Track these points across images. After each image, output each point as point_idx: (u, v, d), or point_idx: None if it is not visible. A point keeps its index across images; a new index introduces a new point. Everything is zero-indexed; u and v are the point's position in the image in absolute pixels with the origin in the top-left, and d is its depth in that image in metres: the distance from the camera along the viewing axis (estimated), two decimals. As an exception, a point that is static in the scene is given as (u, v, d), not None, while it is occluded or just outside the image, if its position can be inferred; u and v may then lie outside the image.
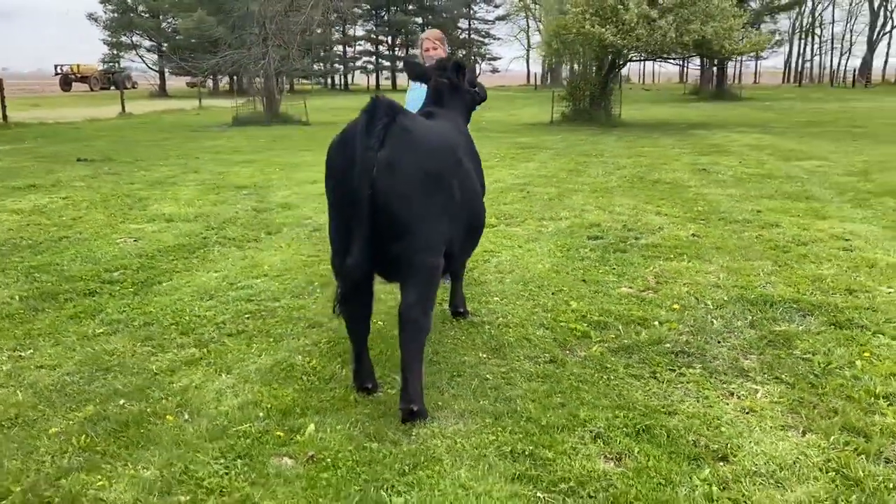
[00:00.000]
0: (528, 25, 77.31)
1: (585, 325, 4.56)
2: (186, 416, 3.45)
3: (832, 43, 78.79)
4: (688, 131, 18.89)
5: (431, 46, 5.22)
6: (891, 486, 2.77)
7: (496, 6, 73.08)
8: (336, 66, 68.77)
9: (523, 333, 4.45)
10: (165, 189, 10.01)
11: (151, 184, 10.51)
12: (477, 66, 74.33)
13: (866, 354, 3.99)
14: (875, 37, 65.62)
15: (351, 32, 68.89)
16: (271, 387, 3.74)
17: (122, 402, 3.61)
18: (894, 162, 11.96)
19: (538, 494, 2.76)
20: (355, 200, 3.15)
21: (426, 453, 3.08)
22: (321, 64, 62.37)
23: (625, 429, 3.24)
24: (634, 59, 22.41)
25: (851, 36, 77.02)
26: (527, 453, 3.06)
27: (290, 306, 5.03)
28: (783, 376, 3.79)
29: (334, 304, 3.48)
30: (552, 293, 5.19)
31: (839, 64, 75.78)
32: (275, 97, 25.33)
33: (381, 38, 69.78)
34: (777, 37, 26.75)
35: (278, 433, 3.25)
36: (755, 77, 78.08)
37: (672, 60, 24.03)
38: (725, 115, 25.70)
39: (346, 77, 71.79)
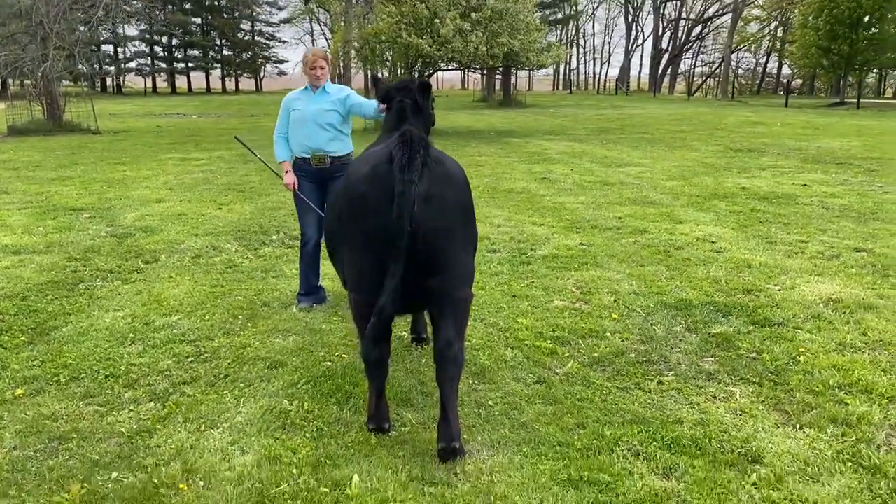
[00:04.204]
0: (312, 29, 76.60)
1: (548, 342, 4.69)
2: (202, 483, 3.10)
3: (593, 53, 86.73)
4: (502, 139, 19.83)
5: (320, 66, 5.17)
6: (898, 469, 3.19)
7: (280, 8, 71.53)
8: (107, 67, 63.38)
9: (496, 355, 4.49)
10: (-17, 214, 8.74)
11: (-40, 208, 9.12)
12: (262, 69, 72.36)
13: (802, 350, 4.52)
14: (630, 48, 73.07)
15: (121, 32, 63.80)
16: (277, 438, 3.46)
17: (112, 475, 3.16)
18: (697, 167, 13.45)
19: (627, 520, 2.84)
20: (394, 236, 3.02)
21: (490, 491, 3.04)
22: (90, 65, 57.25)
23: (655, 444, 3.41)
24: (444, 68, 23.10)
25: (609, 48, 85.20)
26: (584, 479, 3.12)
27: (232, 345, 4.66)
28: (748, 376, 4.18)
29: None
30: (495, 311, 5.28)
31: (601, 72, 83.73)
32: (57, 103, 22.90)
33: (156, 38, 65.40)
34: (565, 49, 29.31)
35: (324, 489, 3.03)
36: (528, 84, 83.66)
37: (477, 70, 25.06)
38: (524, 122, 27.27)
39: (118, 79, 66.47)
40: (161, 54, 67.09)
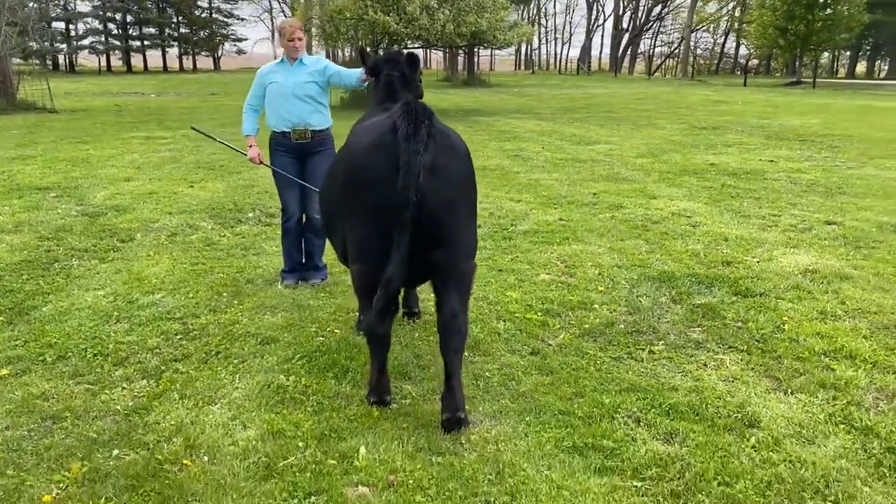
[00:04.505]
0: (271, 6, 75.23)
1: (538, 314, 4.73)
2: (206, 458, 3.07)
3: (554, 33, 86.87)
4: (470, 118, 19.77)
5: (298, 37, 5.10)
6: None
7: (238, -15, 70.13)
8: (59, 44, 61.42)
9: (489, 328, 4.51)
10: (-56, 194, 8.45)
11: (-82, 188, 8.80)
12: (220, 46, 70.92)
13: (786, 318, 4.62)
14: (591, 28, 73.29)
15: (73, 7, 61.95)
16: (278, 413, 3.44)
17: (113, 452, 3.11)
18: (664, 144, 13.60)
19: (635, 484, 2.89)
20: (399, 208, 2.99)
21: (497, 460, 3.06)
22: (43, 42, 55.44)
23: (653, 410, 3.47)
24: (411, 46, 22.88)
25: (570, 27, 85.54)
26: (589, 446, 3.16)
27: (220, 322, 4.60)
28: (736, 345, 4.27)
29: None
30: (483, 285, 5.29)
31: (562, 52, 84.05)
32: (10, 81, 22.18)
33: (110, 14, 63.56)
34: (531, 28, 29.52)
35: (331, 461, 3.02)
36: (491, 64, 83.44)
37: (442, 49, 24.91)
38: (490, 102, 27.23)
39: (70, 58, 64.52)
40: (115, 31, 65.28)
